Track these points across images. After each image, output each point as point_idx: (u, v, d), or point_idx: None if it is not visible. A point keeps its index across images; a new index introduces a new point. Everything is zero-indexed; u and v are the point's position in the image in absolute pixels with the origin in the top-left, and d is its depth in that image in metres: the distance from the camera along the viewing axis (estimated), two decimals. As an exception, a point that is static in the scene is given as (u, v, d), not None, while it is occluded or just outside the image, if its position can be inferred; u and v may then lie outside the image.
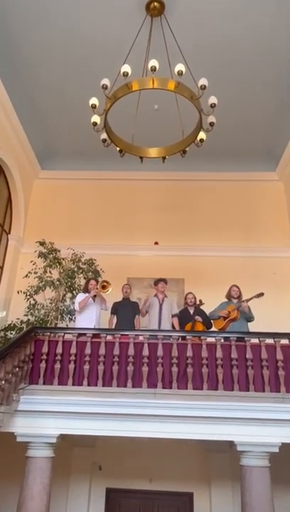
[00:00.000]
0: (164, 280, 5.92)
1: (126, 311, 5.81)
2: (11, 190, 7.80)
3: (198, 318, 5.62)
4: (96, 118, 4.61)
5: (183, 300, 6.32)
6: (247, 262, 7.63)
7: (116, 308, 5.89)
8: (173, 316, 5.69)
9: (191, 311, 5.84)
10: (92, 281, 5.60)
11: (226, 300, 5.72)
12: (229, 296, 5.71)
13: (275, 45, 5.93)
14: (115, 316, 5.88)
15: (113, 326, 5.76)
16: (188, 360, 4.51)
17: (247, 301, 5.42)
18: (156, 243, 8.06)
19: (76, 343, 4.63)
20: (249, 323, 5.54)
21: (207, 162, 7.94)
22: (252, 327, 5.47)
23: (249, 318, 5.51)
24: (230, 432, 4.21)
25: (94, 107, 4.54)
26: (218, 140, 6.89)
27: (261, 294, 5.33)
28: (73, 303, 6.14)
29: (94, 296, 5.49)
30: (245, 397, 4.30)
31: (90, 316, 5.39)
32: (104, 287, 5.38)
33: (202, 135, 4.82)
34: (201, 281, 7.30)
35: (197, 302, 5.90)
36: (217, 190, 8.34)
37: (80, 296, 5.56)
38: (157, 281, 5.91)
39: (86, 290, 5.58)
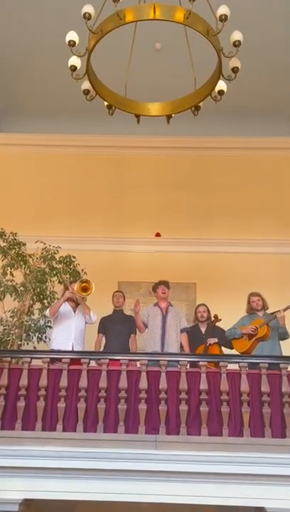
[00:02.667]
0: (165, 283, 5.93)
1: (118, 328, 5.82)
2: None
3: (212, 340, 5.64)
4: (75, 60, 4.55)
5: (193, 314, 6.33)
6: (282, 261, 7.69)
7: (105, 325, 5.90)
8: (181, 331, 5.70)
9: (203, 330, 5.87)
10: (74, 286, 5.60)
11: (247, 314, 5.76)
12: (250, 309, 5.75)
13: None
14: (104, 336, 5.88)
15: (101, 349, 5.77)
16: (201, 395, 4.51)
17: (284, 310, 5.44)
18: (158, 235, 8.09)
19: (47, 372, 4.63)
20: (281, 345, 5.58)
21: (229, 123, 7.95)
22: (287, 349, 5.49)
23: (284, 335, 5.57)
24: (260, 495, 4.18)
25: (72, 44, 4.47)
26: (243, 93, 6.87)
27: None
28: (44, 316, 6.13)
29: (76, 305, 5.49)
30: (281, 446, 4.29)
31: (68, 332, 5.37)
32: (84, 289, 5.33)
33: (221, 85, 4.75)
34: (219, 286, 7.35)
35: (212, 318, 5.91)
36: (241, 162, 8.35)
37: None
38: (155, 285, 5.93)
39: (65, 298, 5.62)
